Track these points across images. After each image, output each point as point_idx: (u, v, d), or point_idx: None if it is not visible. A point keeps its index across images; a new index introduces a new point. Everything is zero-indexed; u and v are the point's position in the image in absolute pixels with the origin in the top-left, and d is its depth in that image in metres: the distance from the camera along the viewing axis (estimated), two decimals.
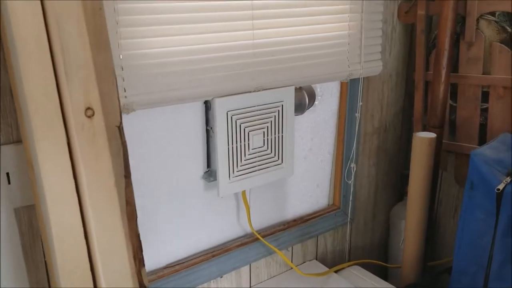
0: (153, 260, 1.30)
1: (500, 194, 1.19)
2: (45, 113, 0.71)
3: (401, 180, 1.82)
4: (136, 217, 0.85)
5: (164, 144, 1.23)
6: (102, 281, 0.80)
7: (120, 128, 0.80)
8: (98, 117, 0.74)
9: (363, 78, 1.53)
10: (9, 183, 0.98)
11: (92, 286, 0.81)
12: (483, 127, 1.51)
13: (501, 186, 1.19)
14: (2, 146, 0.95)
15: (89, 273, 0.80)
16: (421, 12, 1.53)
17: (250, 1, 1.19)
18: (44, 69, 0.69)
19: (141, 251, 0.87)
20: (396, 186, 1.84)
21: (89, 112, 0.73)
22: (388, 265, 1.76)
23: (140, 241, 0.87)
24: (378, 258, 1.84)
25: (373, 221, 1.82)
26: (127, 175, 0.82)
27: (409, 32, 1.66)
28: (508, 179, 1.19)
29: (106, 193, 0.77)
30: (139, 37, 1.05)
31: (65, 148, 0.74)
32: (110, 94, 0.78)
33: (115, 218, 0.79)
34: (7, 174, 0.97)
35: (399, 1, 1.59)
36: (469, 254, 1.32)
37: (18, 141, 0.96)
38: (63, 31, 0.69)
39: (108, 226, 0.78)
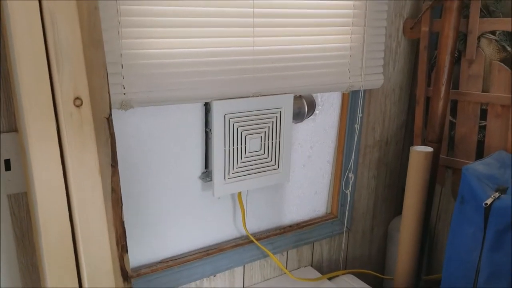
0: (148, 254, 1.35)
1: (488, 209, 1.21)
2: (37, 101, 0.77)
3: (402, 194, 1.83)
4: (122, 204, 0.90)
5: (164, 143, 1.28)
6: (83, 262, 0.85)
7: (109, 120, 0.86)
8: (86, 107, 0.80)
9: (365, 90, 1.57)
10: (9, 169, 1.04)
11: (75, 267, 0.86)
12: (481, 144, 1.52)
13: (489, 201, 1.20)
14: (6, 134, 1.02)
15: (73, 255, 0.86)
16: (425, 28, 1.56)
17: (252, 9, 1.24)
18: (37, 60, 0.75)
19: (125, 237, 0.92)
20: (396, 200, 1.86)
21: (77, 102, 0.79)
22: (381, 276, 1.77)
23: (124, 228, 0.92)
24: (376, 270, 1.85)
25: (371, 232, 1.83)
26: (114, 164, 0.88)
27: (415, 48, 1.69)
28: (497, 194, 1.21)
29: (90, 180, 0.82)
30: (141, 37, 1.11)
31: (55, 135, 0.79)
32: (100, 87, 0.83)
33: (98, 203, 0.84)
34: (9, 160, 1.04)
35: (405, 17, 1.62)
36: (458, 269, 1.33)
37: None
38: (56, 27, 0.76)
39: (91, 211, 0.84)
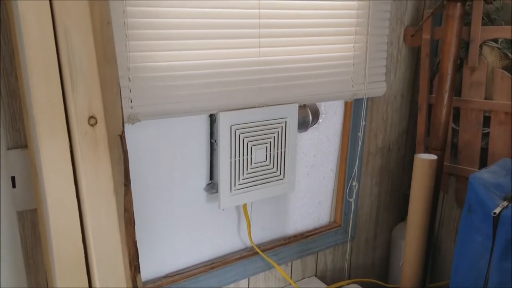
0: (153, 269, 1.32)
1: (496, 218, 1.20)
2: (50, 120, 0.74)
3: (404, 201, 1.83)
4: (134, 224, 0.88)
5: (168, 155, 1.26)
6: (97, 284, 0.82)
7: (122, 137, 0.83)
8: (101, 126, 0.77)
9: (367, 98, 1.56)
10: (14, 186, 1.01)
11: None
12: (484, 151, 1.52)
13: (497, 210, 1.20)
14: (10, 150, 0.99)
15: (85, 276, 0.83)
16: (426, 36, 1.55)
17: (258, 20, 1.23)
18: (50, 78, 0.73)
19: (138, 257, 0.90)
20: (398, 206, 1.85)
21: (92, 120, 0.76)
22: (386, 284, 1.76)
23: (136, 248, 0.89)
24: (379, 278, 1.84)
25: (374, 240, 1.83)
26: (127, 183, 0.85)
27: (415, 55, 1.68)
28: (505, 203, 1.20)
29: (105, 199, 0.80)
30: (148, 50, 1.08)
31: (68, 154, 0.77)
32: (113, 104, 0.81)
33: (112, 224, 0.81)
34: (13, 177, 1.01)
35: (406, 24, 1.61)
36: (465, 277, 1.33)
37: (26, 145, 1.00)
38: (70, 43, 0.73)
39: (105, 231, 0.81)
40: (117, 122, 0.82)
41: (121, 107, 0.83)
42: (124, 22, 1.02)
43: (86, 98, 0.75)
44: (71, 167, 0.78)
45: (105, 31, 0.79)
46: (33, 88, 0.73)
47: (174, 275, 1.35)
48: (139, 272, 0.90)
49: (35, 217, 1.05)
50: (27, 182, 1.01)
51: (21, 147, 1.01)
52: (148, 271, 1.31)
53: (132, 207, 0.87)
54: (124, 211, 0.86)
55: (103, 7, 0.78)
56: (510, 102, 1.41)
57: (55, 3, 0.72)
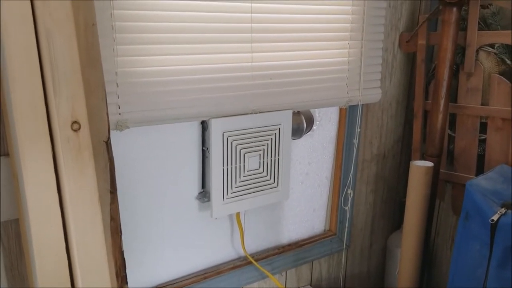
0: (143, 279, 1.29)
1: (494, 225, 1.18)
2: (31, 125, 0.71)
3: (400, 208, 1.81)
4: (121, 233, 0.85)
5: (159, 163, 1.23)
6: None
7: (107, 144, 0.81)
8: (85, 131, 0.75)
9: (362, 105, 1.54)
10: None
11: None
12: (481, 157, 1.50)
13: (495, 217, 1.18)
14: None
15: None
16: (421, 42, 1.54)
17: (250, 24, 1.21)
18: (32, 81, 0.70)
19: (125, 268, 0.87)
20: (394, 214, 1.82)
21: (75, 126, 0.73)
22: None
23: (123, 258, 0.86)
24: (375, 287, 1.81)
25: (370, 248, 1.80)
26: (113, 190, 0.82)
27: (410, 61, 1.67)
28: (503, 210, 1.18)
29: (89, 208, 0.77)
30: (137, 55, 1.06)
31: (50, 161, 0.74)
32: (98, 109, 0.79)
33: (97, 233, 0.78)
34: None
35: (401, 30, 1.60)
36: (463, 286, 1.30)
37: (9, 153, 0.97)
38: (53, 46, 0.71)
39: (90, 241, 0.78)
40: (103, 128, 0.80)
41: (107, 113, 0.80)
42: (112, 26, 1.00)
43: (69, 102, 0.73)
44: (54, 175, 0.75)
45: (90, 34, 0.76)
46: (14, 92, 0.70)
47: (166, 285, 1.32)
48: (126, 283, 0.87)
49: (20, 228, 1.02)
50: (10, 191, 0.98)
51: (4, 155, 0.97)
52: (137, 282, 1.28)
53: (119, 216, 0.84)
54: (110, 219, 0.83)
55: (88, 8, 0.76)
56: (507, 108, 1.39)
57: (36, 3, 0.69)
